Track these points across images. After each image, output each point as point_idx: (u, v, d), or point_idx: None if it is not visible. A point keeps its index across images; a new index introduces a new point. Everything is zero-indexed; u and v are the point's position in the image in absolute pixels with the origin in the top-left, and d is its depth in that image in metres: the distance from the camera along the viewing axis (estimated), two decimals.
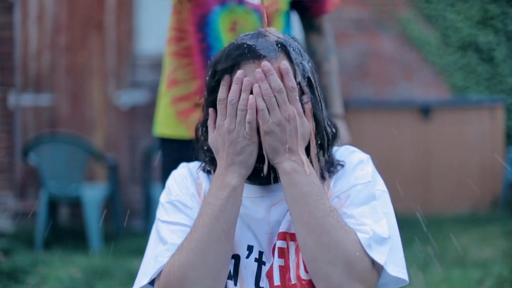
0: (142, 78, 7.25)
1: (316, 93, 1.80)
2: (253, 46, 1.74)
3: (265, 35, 1.78)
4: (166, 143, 2.75)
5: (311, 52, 2.90)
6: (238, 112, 1.70)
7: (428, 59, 8.34)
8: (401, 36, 8.33)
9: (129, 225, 7.10)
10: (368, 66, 8.18)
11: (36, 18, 7.23)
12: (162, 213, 1.85)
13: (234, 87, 1.71)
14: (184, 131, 2.69)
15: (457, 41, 8.34)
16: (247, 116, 1.69)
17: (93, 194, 6.47)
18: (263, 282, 1.75)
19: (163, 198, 1.88)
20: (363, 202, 1.75)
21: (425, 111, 7.47)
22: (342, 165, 1.83)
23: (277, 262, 1.75)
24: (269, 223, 1.77)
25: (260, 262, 1.76)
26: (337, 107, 2.90)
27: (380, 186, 1.81)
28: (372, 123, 7.38)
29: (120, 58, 7.28)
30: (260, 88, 1.69)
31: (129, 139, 7.24)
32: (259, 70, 1.70)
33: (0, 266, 5.27)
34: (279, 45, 1.76)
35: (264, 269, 1.75)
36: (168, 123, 2.74)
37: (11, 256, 5.77)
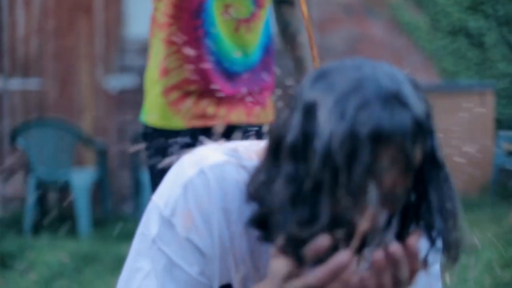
0: (130, 63, 7.22)
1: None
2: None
3: (404, 105, 1.24)
4: (157, 132, 2.70)
5: (285, 24, 2.88)
6: None
7: (418, 44, 8.33)
8: (391, 21, 8.31)
9: (118, 210, 7.08)
10: (357, 52, 8.16)
11: (24, 2, 7.18)
12: (162, 235, 1.41)
13: (325, 271, 1.20)
14: (178, 121, 2.65)
15: (447, 26, 8.33)
16: None
17: (81, 179, 6.45)
18: None
19: (166, 210, 1.41)
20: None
21: None
22: None
23: None
24: None
25: None
26: None
27: None
28: None
29: (108, 43, 7.24)
30: (378, 279, 1.22)
31: (118, 124, 7.21)
32: (378, 256, 1.20)
33: None
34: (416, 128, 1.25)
35: None
36: (160, 114, 2.68)
37: None
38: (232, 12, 2.63)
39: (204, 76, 2.64)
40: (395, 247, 1.20)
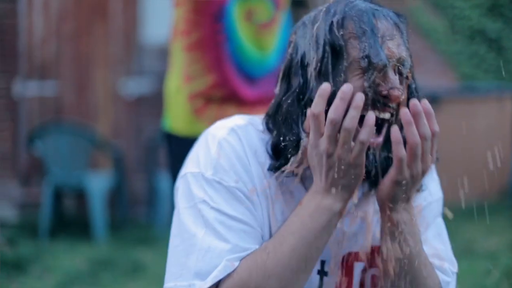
0: (148, 67, 7.22)
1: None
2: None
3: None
4: (182, 140, 2.68)
5: None
6: (342, 133, 1.39)
7: (436, 47, 8.29)
8: (409, 24, 8.27)
9: (134, 215, 7.07)
10: None
11: (41, 5, 7.19)
12: (210, 194, 1.50)
13: (339, 103, 1.39)
14: (203, 127, 2.64)
15: (465, 29, 8.29)
16: (362, 136, 1.39)
17: (98, 184, 6.44)
18: None
19: (209, 172, 1.51)
20: (433, 220, 1.66)
21: (434, 100, 7.43)
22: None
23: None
24: (343, 232, 1.57)
25: (322, 273, 1.57)
26: None
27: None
28: None
29: (125, 46, 7.24)
30: (407, 132, 1.41)
31: (134, 128, 7.21)
32: (406, 111, 1.42)
33: (4, 256, 5.27)
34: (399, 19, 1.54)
35: (327, 280, 1.58)
36: (186, 121, 2.67)
37: (15, 246, 5.77)
38: (254, 17, 2.64)
39: (226, 81, 2.64)
40: (414, 101, 1.42)
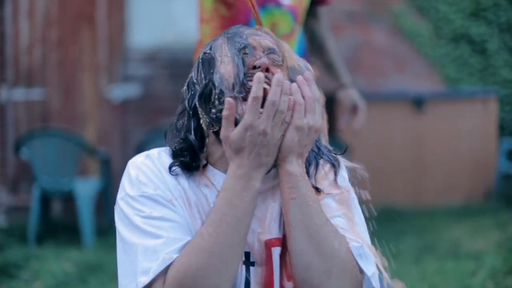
0: (134, 72, 7.23)
1: None
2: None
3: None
4: None
5: (311, 34, 3.35)
6: (277, 114, 1.61)
7: (420, 51, 8.33)
8: (394, 28, 8.32)
9: None
10: (360, 58, 8.17)
11: (27, 12, 7.20)
12: (138, 208, 1.69)
13: (276, 88, 1.62)
14: None
15: (449, 33, 8.34)
16: (297, 116, 1.65)
17: (85, 188, 6.45)
18: (255, 286, 1.71)
19: (132, 191, 1.72)
20: (347, 206, 1.77)
21: (418, 103, 7.47)
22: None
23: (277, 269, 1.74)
24: (259, 222, 1.73)
25: (247, 263, 1.71)
26: (347, 77, 3.40)
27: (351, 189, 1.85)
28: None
29: (111, 52, 7.25)
30: (301, 89, 1.67)
31: (121, 133, 7.22)
32: (300, 77, 1.69)
33: None
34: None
35: (254, 270, 1.71)
36: None
37: (3, 251, 5.75)
38: (277, 29, 2.82)
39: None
40: (306, 72, 1.71)
